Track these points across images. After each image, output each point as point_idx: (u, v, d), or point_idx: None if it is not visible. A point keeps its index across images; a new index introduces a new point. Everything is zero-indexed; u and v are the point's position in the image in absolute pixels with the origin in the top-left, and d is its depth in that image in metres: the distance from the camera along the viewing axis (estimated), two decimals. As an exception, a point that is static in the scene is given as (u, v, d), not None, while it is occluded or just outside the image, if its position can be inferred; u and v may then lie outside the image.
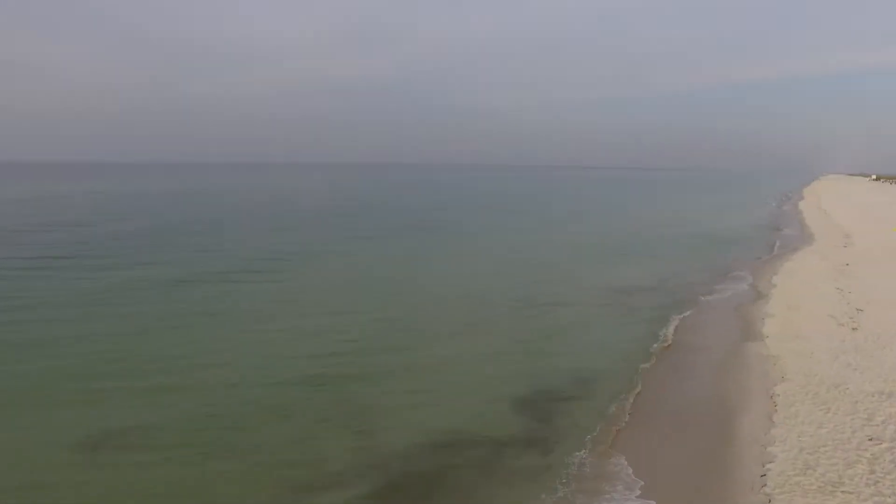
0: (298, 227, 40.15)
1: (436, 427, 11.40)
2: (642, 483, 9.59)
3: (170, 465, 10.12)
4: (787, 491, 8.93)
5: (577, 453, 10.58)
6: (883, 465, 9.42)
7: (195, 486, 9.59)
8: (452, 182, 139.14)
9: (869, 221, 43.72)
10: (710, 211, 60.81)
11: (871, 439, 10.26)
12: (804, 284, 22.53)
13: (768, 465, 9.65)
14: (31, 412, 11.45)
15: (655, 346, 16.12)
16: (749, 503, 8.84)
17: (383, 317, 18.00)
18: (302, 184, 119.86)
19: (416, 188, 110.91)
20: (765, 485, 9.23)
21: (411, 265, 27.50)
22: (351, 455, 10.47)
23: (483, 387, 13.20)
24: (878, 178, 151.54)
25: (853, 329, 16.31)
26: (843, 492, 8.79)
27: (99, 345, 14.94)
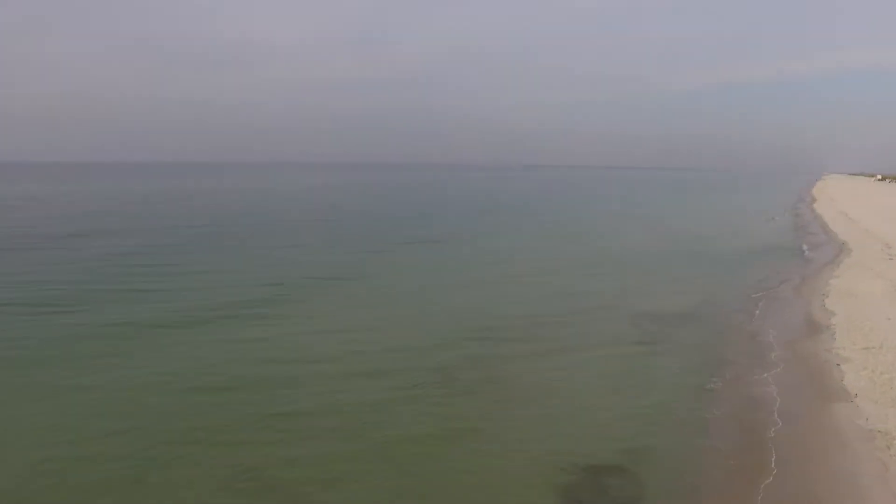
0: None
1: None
2: None
3: None
4: None
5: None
6: None
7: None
8: (458, 183, 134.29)
9: (901, 226, 39.83)
10: (723, 215, 56.60)
11: None
12: (868, 310, 18.35)
13: None
14: None
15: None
16: None
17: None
18: (325, 184, 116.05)
19: (428, 188, 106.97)
20: None
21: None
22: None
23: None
24: (883, 179, 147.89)
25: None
26: None
27: None
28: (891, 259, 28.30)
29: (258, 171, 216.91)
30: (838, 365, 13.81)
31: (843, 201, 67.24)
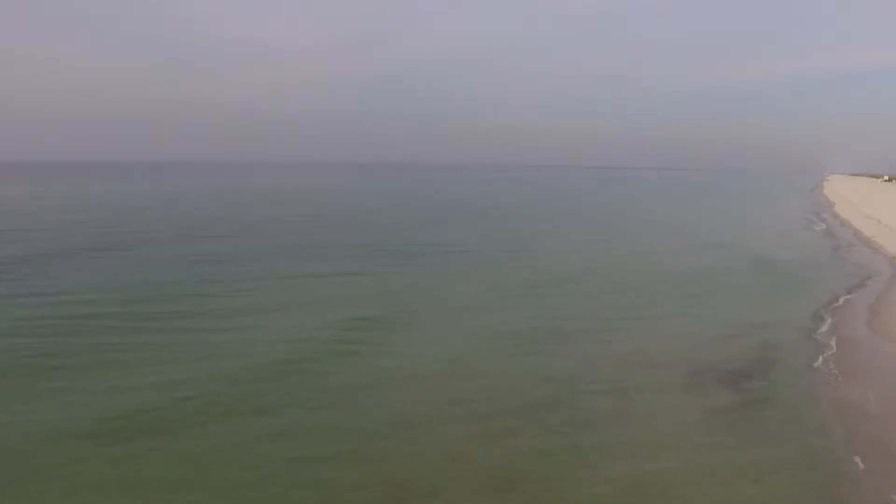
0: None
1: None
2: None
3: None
4: None
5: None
6: None
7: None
8: (466, 183, 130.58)
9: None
10: (744, 220, 52.08)
11: None
12: None
13: None
14: None
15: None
16: None
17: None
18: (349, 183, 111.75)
19: (445, 188, 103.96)
20: None
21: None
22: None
23: None
24: (890, 179, 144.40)
25: None
26: None
27: None
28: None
29: (267, 171, 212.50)
30: None
31: (863, 204, 63.40)
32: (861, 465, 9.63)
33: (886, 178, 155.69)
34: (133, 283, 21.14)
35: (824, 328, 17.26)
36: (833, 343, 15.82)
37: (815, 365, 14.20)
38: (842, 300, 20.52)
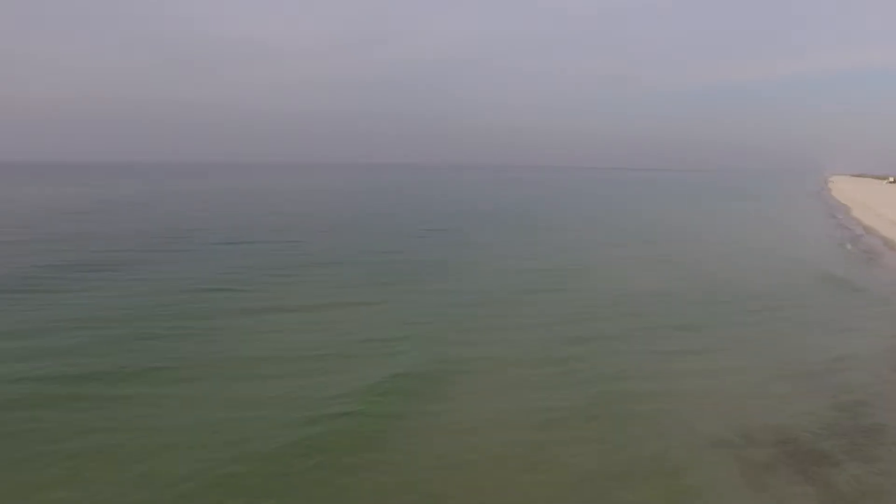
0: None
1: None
2: None
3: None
4: None
5: None
6: None
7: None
8: (470, 184, 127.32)
9: None
10: (760, 228, 49.01)
11: None
12: None
13: None
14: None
15: None
16: None
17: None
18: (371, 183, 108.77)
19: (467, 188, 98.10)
20: None
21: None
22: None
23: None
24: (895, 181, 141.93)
25: None
26: None
27: None
28: None
29: (280, 172, 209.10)
30: None
31: (881, 208, 60.89)
32: None
33: (892, 178, 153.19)
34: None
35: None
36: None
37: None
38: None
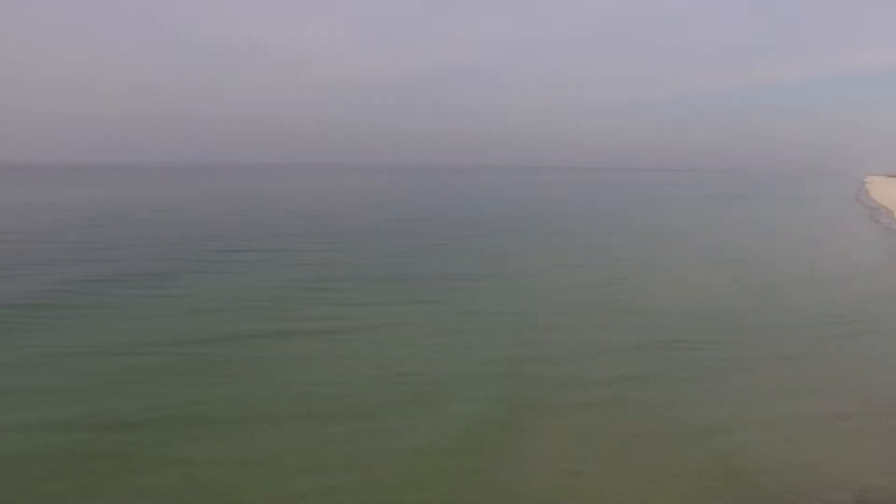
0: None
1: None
2: None
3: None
4: None
5: None
6: None
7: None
8: (509, 187, 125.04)
9: None
10: (812, 234, 46.93)
11: None
12: None
13: None
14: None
15: None
16: None
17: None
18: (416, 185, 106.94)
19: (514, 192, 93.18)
20: None
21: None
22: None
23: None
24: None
25: None
26: None
27: None
28: None
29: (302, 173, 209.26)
30: None
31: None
32: None
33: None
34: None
35: None
36: None
37: None
38: None
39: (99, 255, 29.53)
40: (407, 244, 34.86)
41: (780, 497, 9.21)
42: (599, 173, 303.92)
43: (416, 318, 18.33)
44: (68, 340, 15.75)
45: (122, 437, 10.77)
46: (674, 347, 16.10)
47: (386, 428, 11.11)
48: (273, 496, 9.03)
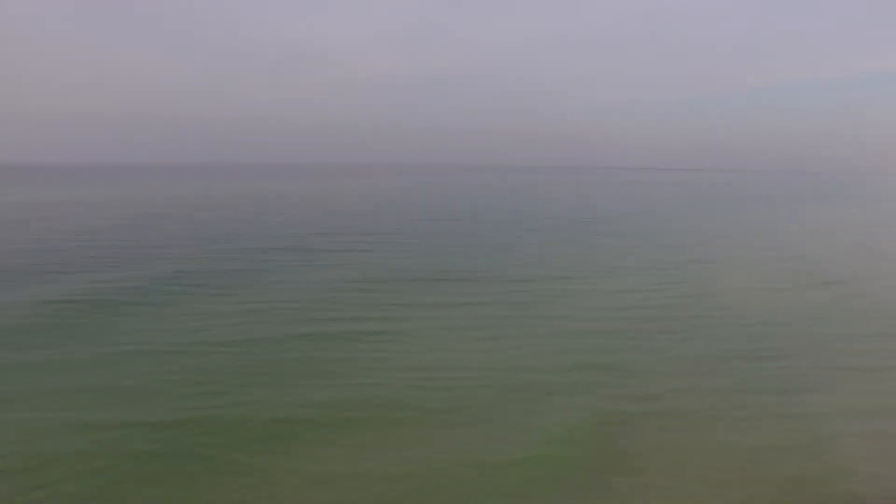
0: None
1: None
2: None
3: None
4: None
5: None
6: None
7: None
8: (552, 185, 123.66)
9: None
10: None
11: None
12: None
13: None
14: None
15: None
16: None
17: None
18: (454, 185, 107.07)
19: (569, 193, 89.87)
20: None
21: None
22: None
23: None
24: None
25: None
26: None
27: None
28: None
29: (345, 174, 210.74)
30: None
31: None
32: None
33: None
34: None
35: None
36: None
37: None
38: None
39: (151, 254, 29.64)
40: (454, 244, 34.34)
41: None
42: (644, 173, 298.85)
43: (478, 322, 17.80)
44: (125, 339, 15.62)
45: (178, 436, 10.47)
46: (755, 357, 15.27)
47: (464, 438, 10.59)
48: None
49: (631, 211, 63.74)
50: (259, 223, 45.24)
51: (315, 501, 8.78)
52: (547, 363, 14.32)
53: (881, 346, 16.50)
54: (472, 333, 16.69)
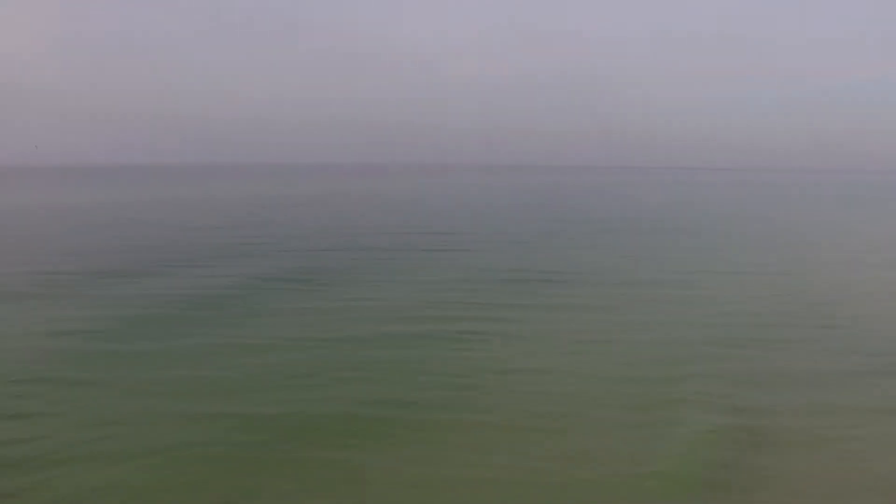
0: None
1: None
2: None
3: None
4: None
5: None
6: None
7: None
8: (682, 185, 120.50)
9: None
10: None
11: None
12: None
13: None
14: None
15: None
16: None
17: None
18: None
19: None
20: None
21: None
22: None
23: None
24: None
25: None
26: None
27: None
28: None
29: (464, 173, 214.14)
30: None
31: None
32: None
33: None
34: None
35: None
36: None
37: None
38: None
39: (253, 250, 30.83)
40: (544, 245, 33.79)
41: None
42: (758, 174, 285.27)
43: (575, 326, 17.24)
44: (229, 332, 16.21)
45: (277, 429, 10.64)
46: (884, 373, 13.95)
47: (562, 448, 10.15)
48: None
49: (725, 213, 60.51)
50: (360, 221, 46.35)
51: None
52: (652, 372, 13.61)
53: None
54: (570, 337, 16.17)
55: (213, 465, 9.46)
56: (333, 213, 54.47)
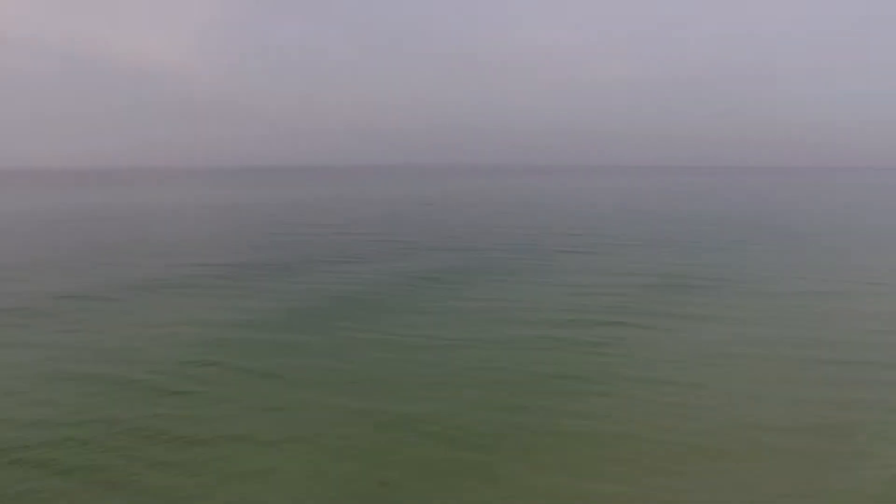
0: None
1: None
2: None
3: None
4: None
5: None
6: None
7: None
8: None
9: None
10: None
11: None
12: None
13: None
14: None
15: None
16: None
17: None
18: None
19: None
20: None
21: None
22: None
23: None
24: None
25: None
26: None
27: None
28: None
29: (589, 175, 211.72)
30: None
31: None
32: None
33: None
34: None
35: None
36: None
37: None
38: None
39: (395, 248, 31.92)
40: (693, 249, 32.02)
41: None
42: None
43: (733, 339, 15.89)
44: (379, 330, 16.81)
45: (421, 431, 10.79)
46: None
47: (771, 481, 8.96)
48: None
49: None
50: (502, 222, 46.60)
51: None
52: (818, 394, 12.42)
53: None
54: (721, 350, 15.14)
55: (360, 459, 9.85)
56: (483, 214, 55.17)
